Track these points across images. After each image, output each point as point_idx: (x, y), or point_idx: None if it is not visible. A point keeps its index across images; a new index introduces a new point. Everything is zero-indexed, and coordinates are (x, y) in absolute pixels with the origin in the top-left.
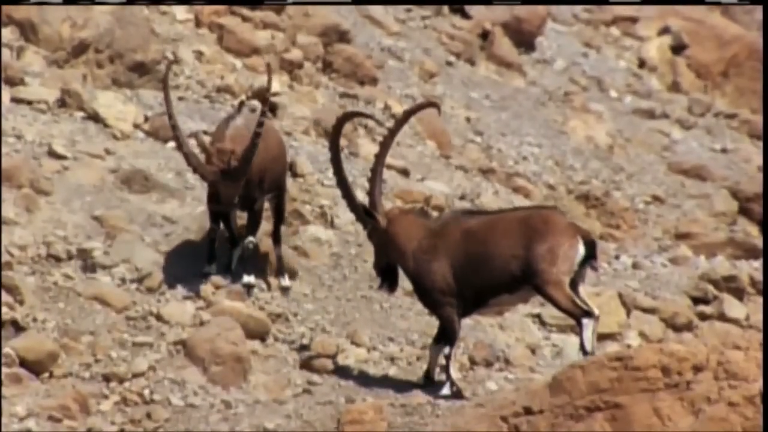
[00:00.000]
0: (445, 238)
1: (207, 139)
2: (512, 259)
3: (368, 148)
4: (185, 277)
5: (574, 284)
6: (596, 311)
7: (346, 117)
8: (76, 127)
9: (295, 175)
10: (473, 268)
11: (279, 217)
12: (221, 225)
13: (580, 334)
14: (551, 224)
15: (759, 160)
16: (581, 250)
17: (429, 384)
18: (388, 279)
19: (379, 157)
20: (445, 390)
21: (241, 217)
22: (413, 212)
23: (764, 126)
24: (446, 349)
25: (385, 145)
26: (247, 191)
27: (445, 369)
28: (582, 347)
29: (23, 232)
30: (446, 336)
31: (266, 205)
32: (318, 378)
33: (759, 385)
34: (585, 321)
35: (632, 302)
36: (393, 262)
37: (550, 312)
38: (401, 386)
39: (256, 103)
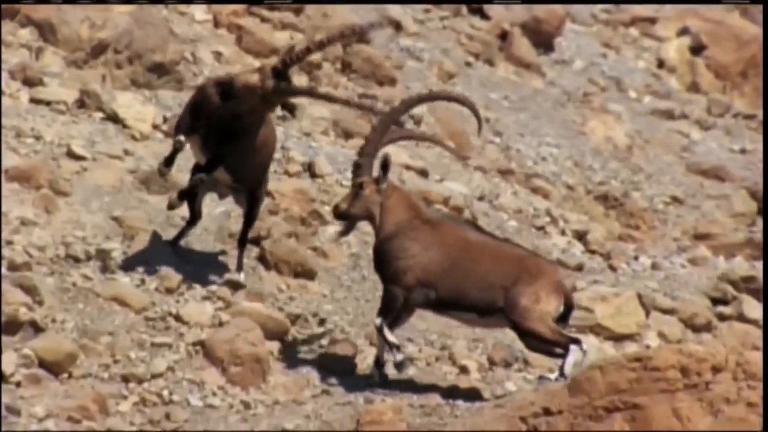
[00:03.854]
0: (438, 231)
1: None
2: (497, 289)
3: (387, 149)
4: (204, 277)
5: None
6: (585, 345)
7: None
8: (94, 127)
9: (314, 175)
10: (454, 278)
11: (249, 218)
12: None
13: (564, 357)
14: (544, 273)
15: None
16: (560, 308)
17: (379, 369)
18: (347, 227)
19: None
20: (398, 356)
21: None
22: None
23: (764, 126)
24: (378, 320)
25: (383, 123)
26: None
27: (383, 339)
28: (561, 369)
29: (42, 233)
30: (384, 309)
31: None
32: (337, 379)
33: None
34: (573, 347)
35: (651, 303)
36: (366, 219)
37: None
38: (420, 387)
39: None
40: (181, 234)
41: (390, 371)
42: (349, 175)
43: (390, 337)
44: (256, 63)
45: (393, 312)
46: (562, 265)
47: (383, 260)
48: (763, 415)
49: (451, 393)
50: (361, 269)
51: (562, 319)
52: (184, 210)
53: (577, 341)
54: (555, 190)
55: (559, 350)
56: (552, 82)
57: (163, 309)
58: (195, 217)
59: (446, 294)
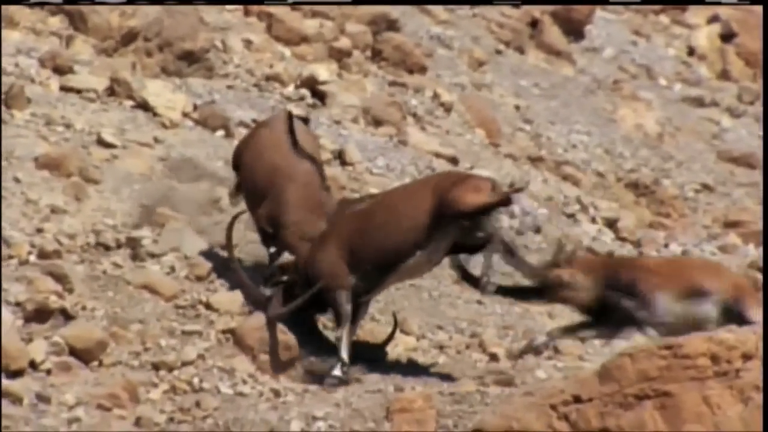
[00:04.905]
0: None
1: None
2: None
3: (417, 137)
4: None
5: None
6: None
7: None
8: (125, 115)
9: (344, 163)
10: None
11: None
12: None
13: None
14: None
15: None
16: None
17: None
18: None
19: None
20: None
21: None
22: None
23: (764, 125)
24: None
25: None
26: None
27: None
28: None
29: (72, 221)
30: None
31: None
32: (367, 367)
33: None
34: None
35: None
36: None
37: None
38: (450, 375)
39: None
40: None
41: (420, 358)
42: (379, 162)
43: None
44: (287, 51)
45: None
46: (593, 253)
47: None
48: (763, 414)
49: (481, 381)
50: None
51: None
52: (214, 198)
53: None
54: (585, 177)
55: None
56: (582, 70)
57: (194, 297)
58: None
59: None
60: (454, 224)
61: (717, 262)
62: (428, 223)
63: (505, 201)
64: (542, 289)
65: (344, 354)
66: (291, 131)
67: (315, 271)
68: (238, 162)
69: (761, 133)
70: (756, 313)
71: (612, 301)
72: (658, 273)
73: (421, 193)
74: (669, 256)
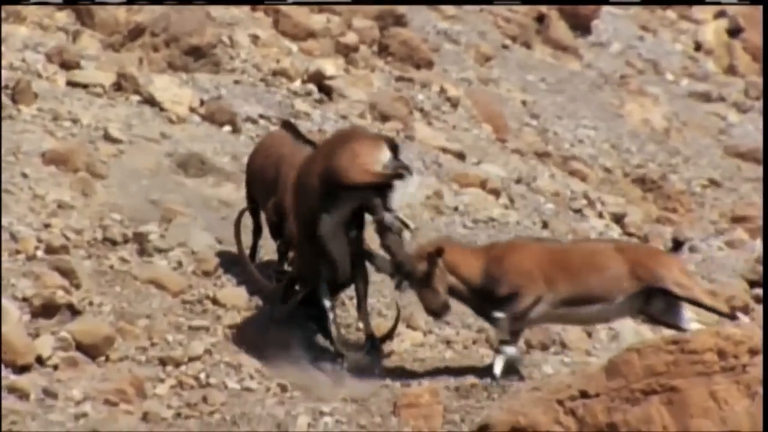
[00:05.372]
0: None
1: None
2: None
3: (424, 132)
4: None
5: None
6: None
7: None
8: (131, 110)
9: None
10: None
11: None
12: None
13: None
14: None
15: None
16: None
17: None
18: None
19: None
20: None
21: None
22: None
23: (764, 125)
24: None
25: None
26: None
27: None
28: None
29: (79, 216)
30: None
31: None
32: (374, 361)
33: None
34: None
35: None
36: None
37: None
38: (457, 369)
39: None
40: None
41: (427, 353)
42: None
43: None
44: (294, 46)
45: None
46: None
47: None
48: (763, 414)
49: (488, 376)
50: None
51: None
52: (221, 193)
53: None
54: (592, 172)
55: None
56: (589, 65)
57: (201, 292)
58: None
59: None
60: (346, 193)
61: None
62: (321, 189)
63: (382, 184)
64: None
65: (338, 347)
66: (293, 128)
67: (297, 270)
68: (250, 170)
69: None
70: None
71: (489, 294)
72: (538, 272)
73: (316, 161)
74: (570, 243)
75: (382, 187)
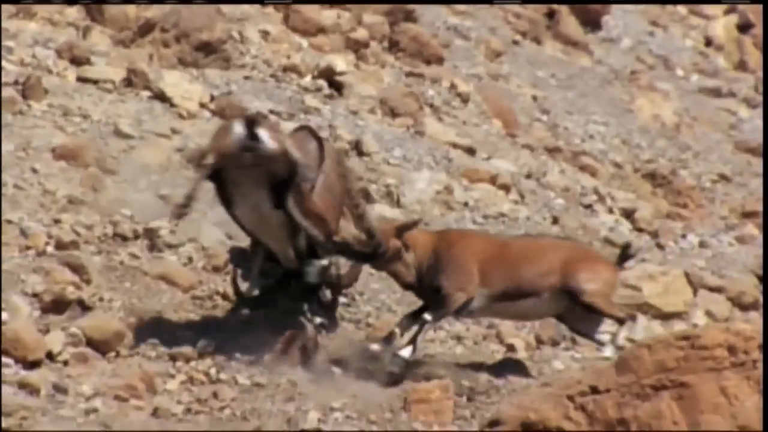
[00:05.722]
0: None
1: None
2: None
3: (434, 127)
4: (251, 256)
5: None
6: None
7: None
8: (142, 106)
9: (360, 153)
10: None
11: None
12: None
13: None
14: None
15: None
16: None
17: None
18: None
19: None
20: None
21: None
22: None
23: (764, 124)
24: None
25: None
26: None
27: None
28: None
29: (89, 212)
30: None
31: None
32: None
33: None
34: None
35: (699, 281)
36: None
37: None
38: (467, 365)
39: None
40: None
41: (438, 349)
42: (396, 153)
43: None
44: (304, 42)
45: None
46: (610, 243)
47: None
48: (763, 414)
49: (499, 372)
50: None
51: None
52: None
53: None
54: (602, 168)
55: None
56: (599, 61)
57: (211, 287)
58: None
59: None
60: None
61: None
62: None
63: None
64: (373, 255)
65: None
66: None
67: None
68: None
69: None
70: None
71: (428, 283)
72: (475, 268)
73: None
74: (512, 237)
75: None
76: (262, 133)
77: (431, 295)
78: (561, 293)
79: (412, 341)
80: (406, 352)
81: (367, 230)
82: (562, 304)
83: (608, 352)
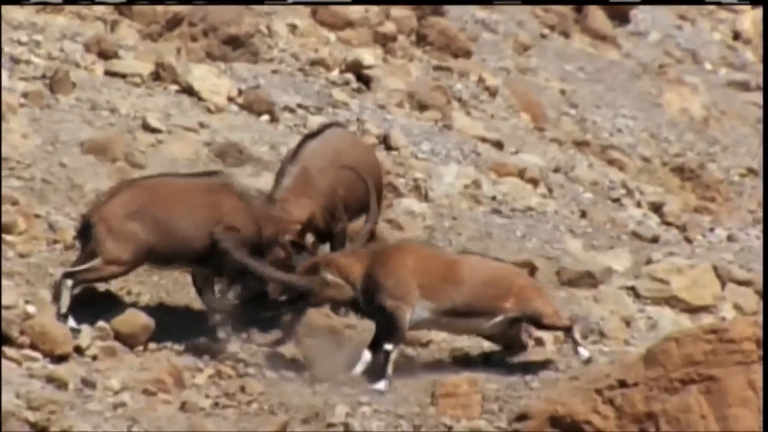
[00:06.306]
0: None
1: None
2: None
3: (462, 121)
4: None
5: None
6: None
7: None
8: (170, 100)
9: (389, 148)
10: None
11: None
12: None
13: None
14: None
15: None
16: None
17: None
18: None
19: None
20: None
21: None
22: None
23: (764, 124)
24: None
25: None
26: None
27: None
28: None
29: None
30: None
31: None
32: (412, 351)
33: None
34: None
35: (727, 275)
36: None
37: (645, 285)
38: (495, 359)
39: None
40: None
41: (465, 343)
42: (424, 147)
43: None
44: (332, 36)
45: None
46: (638, 237)
47: None
48: (763, 414)
49: (527, 366)
50: (436, 241)
51: None
52: (259, 182)
53: None
54: (631, 162)
55: None
56: (628, 54)
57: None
58: None
59: None
60: None
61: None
62: None
63: None
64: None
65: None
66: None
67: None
68: None
69: None
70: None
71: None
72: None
73: None
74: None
75: None
76: None
77: (377, 314)
78: (511, 320)
79: (382, 374)
80: (381, 386)
81: (290, 288)
82: (504, 328)
83: (585, 353)
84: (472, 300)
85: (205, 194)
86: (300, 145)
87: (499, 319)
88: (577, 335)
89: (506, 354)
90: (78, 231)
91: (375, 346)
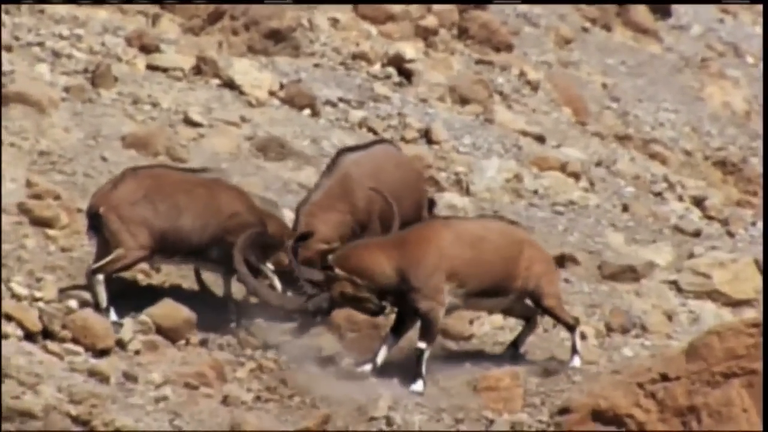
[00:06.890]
0: None
1: None
2: None
3: (504, 115)
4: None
5: None
6: None
7: None
8: (211, 94)
9: (430, 141)
10: None
11: None
12: None
13: None
14: None
15: None
16: None
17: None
18: None
19: None
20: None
21: None
22: None
23: (764, 124)
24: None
25: None
26: None
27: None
28: None
29: None
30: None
31: None
32: (454, 345)
33: None
34: None
35: None
36: None
37: (687, 279)
38: (537, 353)
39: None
40: None
41: (507, 337)
42: (465, 141)
43: None
44: (373, 30)
45: None
46: (680, 231)
47: None
48: (763, 415)
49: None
50: None
51: None
52: (301, 177)
53: None
54: (673, 155)
55: None
56: (669, 48)
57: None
58: None
59: None
60: None
61: None
62: None
63: None
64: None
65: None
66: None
67: None
68: None
69: None
70: None
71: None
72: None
73: None
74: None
75: None
76: None
77: (408, 310)
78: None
79: (419, 373)
80: (419, 387)
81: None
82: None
83: (577, 362)
84: (498, 279)
85: (201, 186)
86: (338, 155)
87: (512, 297)
88: (577, 338)
89: (528, 332)
90: (87, 223)
91: (398, 330)
